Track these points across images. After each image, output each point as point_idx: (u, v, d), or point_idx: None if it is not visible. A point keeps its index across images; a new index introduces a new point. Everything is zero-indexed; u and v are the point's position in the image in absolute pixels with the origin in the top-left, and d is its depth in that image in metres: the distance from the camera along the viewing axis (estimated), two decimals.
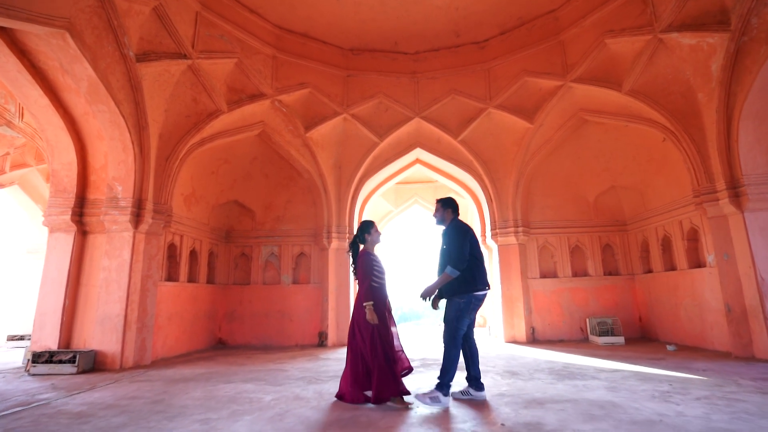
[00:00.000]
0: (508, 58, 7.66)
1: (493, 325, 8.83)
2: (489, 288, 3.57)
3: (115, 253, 5.70)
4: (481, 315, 12.50)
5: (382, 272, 3.68)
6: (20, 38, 4.95)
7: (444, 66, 8.12)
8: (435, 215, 3.85)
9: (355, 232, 3.85)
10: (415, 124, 8.37)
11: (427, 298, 3.54)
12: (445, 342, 3.48)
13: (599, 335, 7.02)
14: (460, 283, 3.46)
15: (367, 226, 3.80)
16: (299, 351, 7.15)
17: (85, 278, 5.78)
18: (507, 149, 8.20)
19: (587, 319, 7.52)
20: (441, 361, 3.42)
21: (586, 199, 8.31)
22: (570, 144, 8.00)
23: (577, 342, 7.41)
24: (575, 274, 8.13)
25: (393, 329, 3.64)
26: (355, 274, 3.75)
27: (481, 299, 3.53)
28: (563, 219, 8.28)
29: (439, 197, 3.90)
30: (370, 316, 3.41)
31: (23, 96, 5.42)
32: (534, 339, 7.74)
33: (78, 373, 4.99)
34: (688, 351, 5.98)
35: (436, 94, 8.17)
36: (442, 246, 3.61)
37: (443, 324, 3.52)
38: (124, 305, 5.54)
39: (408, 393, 3.49)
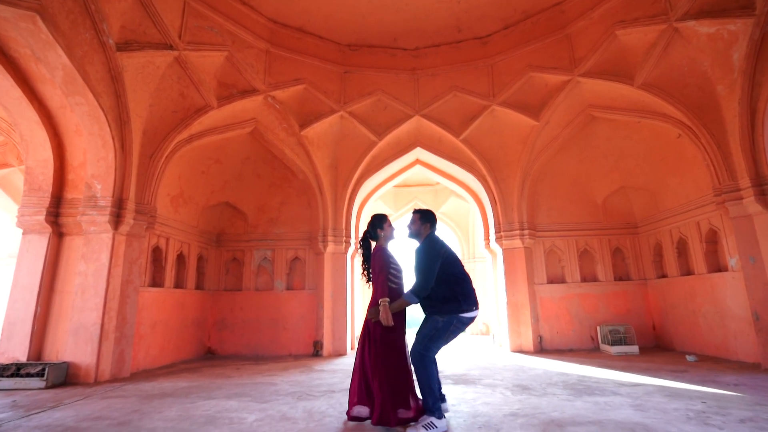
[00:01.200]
0: (512, 53, 7.32)
1: (497, 333, 8.40)
2: (477, 309, 3.07)
3: (93, 257, 5.28)
4: (483, 322, 12.05)
5: (399, 271, 3.23)
6: None
7: (445, 62, 7.78)
8: (410, 227, 3.33)
9: (366, 228, 3.38)
10: (415, 123, 8.01)
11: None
12: (414, 362, 2.99)
13: (611, 344, 6.59)
14: (442, 301, 3.00)
15: (380, 221, 3.36)
16: (292, 361, 6.71)
17: (59, 284, 5.35)
18: (511, 148, 7.84)
19: (598, 327, 7.10)
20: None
21: (595, 200, 7.93)
22: (578, 142, 7.63)
23: (588, 351, 6.97)
24: (584, 280, 7.72)
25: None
26: (368, 275, 3.29)
27: (467, 322, 3.00)
28: (571, 221, 7.88)
29: (418, 208, 3.44)
30: (384, 314, 2.95)
31: None
32: (542, 348, 7.30)
33: (47, 387, 4.55)
34: (711, 362, 5.55)
35: (437, 91, 7.82)
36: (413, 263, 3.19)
37: (415, 338, 3.04)
38: (100, 313, 5.11)
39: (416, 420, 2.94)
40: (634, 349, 6.47)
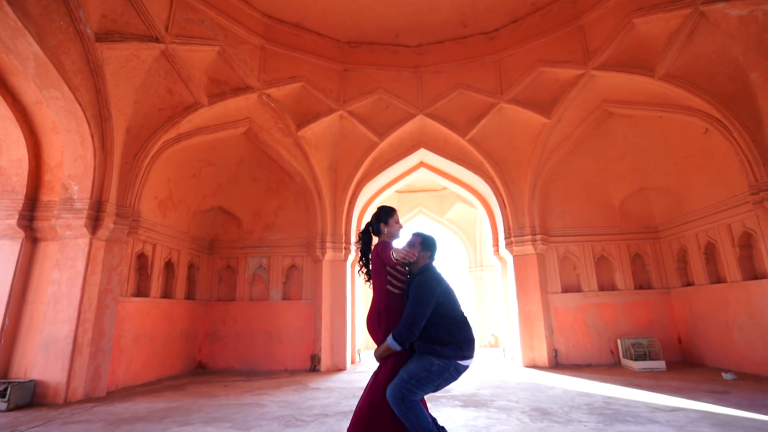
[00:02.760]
0: (521, 47, 6.90)
1: (507, 345, 7.84)
2: (473, 359, 2.58)
3: (67, 264, 4.85)
4: (492, 334, 11.46)
5: (404, 274, 2.71)
6: None
7: (450, 59, 7.37)
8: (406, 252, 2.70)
9: (369, 220, 2.90)
10: (419, 122, 7.59)
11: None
12: (392, 402, 2.40)
13: (635, 359, 6.02)
14: (440, 344, 2.48)
15: (385, 215, 2.83)
16: (287, 377, 6.20)
17: (32, 294, 4.92)
18: (521, 148, 7.37)
19: (618, 340, 6.53)
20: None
21: (612, 202, 7.41)
22: (593, 141, 7.15)
23: (609, 367, 6.40)
24: (602, 288, 7.16)
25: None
26: (367, 273, 2.82)
27: (462, 371, 2.52)
28: (586, 225, 7.36)
29: (420, 232, 2.80)
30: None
31: None
32: (557, 363, 6.74)
33: (8, 410, 4.09)
34: (752, 381, 4.96)
35: (442, 89, 7.41)
36: (406, 294, 2.68)
37: (398, 373, 2.47)
38: (74, 325, 4.66)
39: None
40: (661, 364, 5.89)
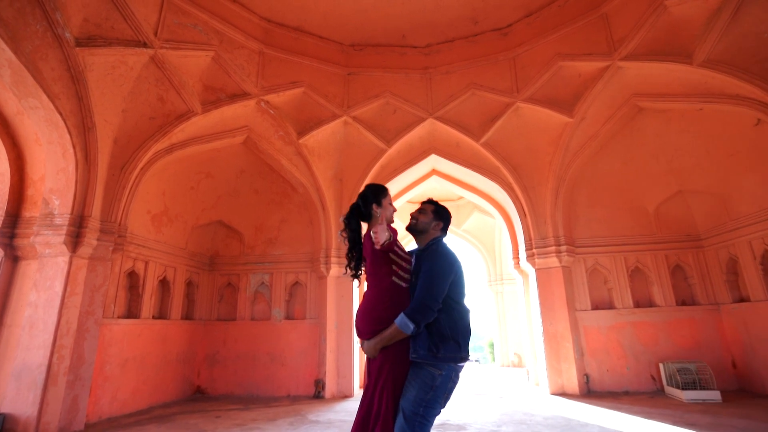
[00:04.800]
0: (537, 42, 6.34)
1: (532, 368, 7.08)
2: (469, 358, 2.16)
3: (45, 284, 4.50)
4: (515, 353, 10.64)
5: (408, 262, 2.22)
6: None
7: (461, 58, 6.87)
8: (415, 218, 2.36)
9: (355, 202, 2.36)
10: (429, 127, 7.08)
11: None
12: None
13: (682, 388, 5.22)
14: (440, 340, 1.99)
15: (377, 193, 2.33)
16: (287, 406, 5.66)
17: (9, 317, 4.58)
18: (541, 151, 6.74)
19: (660, 365, 5.73)
20: None
21: (646, 208, 6.66)
22: (621, 140, 6.47)
23: (650, 396, 5.59)
24: (637, 305, 6.38)
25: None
26: (355, 267, 2.36)
27: (460, 374, 2.12)
28: (617, 234, 6.63)
29: (434, 199, 2.41)
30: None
31: None
32: (589, 390, 5.97)
33: None
34: None
35: (453, 90, 6.90)
36: (414, 278, 2.17)
37: (401, 411, 1.96)
38: (48, 352, 4.27)
39: None
40: (714, 395, 5.07)
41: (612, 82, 5.85)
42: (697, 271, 6.33)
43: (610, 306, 6.41)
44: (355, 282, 7.14)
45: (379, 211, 2.26)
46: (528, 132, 6.70)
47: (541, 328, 6.33)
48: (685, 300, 6.34)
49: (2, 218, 4.71)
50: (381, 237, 2.04)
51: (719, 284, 6.08)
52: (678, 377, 5.33)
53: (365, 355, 2.17)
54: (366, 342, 2.09)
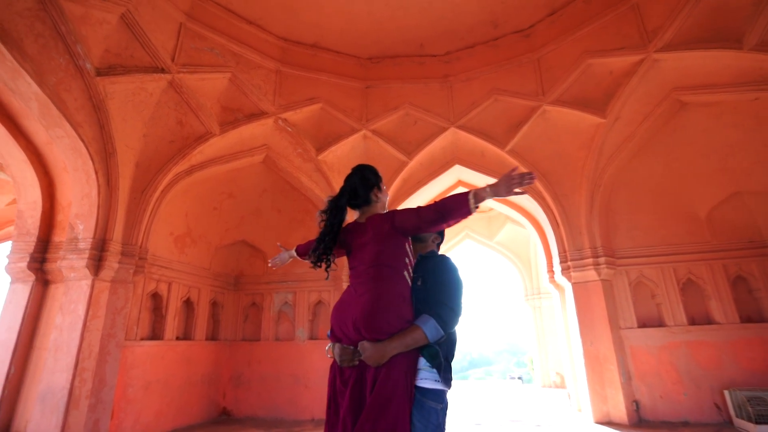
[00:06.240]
0: (563, 41, 5.98)
1: (573, 391, 6.47)
2: None
3: (70, 308, 4.61)
4: (557, 372, 9.88)
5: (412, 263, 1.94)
6: None
7: (482, 64, 6.61)
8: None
9: (349, 183, 2.08)
10: (451, 136, 6.82)
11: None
12: None
13: (755, 421, 4.50)
14: (447, 364, 1.74)
15: (379, 176, 2.11)
16: (311, 431, 5.45)
17: (39, 340, 4.72)
18: (572, 156, 6.28)
19: (726, 392, 5.02)
20: None
21: (696, 213, 5.99)
22: (663, 139, 5.90)
23: (716, 429, 4.89)
24: (693, 322, 5.69)
25: None
26: (327, 262, 2.02)
27: None
28: (663, 243, 5.99)
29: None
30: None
31: None
32: (639, 419, 5.32)
33: None
34: None
35: (474, 97, 6.63)
36: (423, 282, 1.89)
37: None
38: (70, 375, 4.33)
39: None
40: None
41: (648, 77, 5.37)
42: (765, 283, 5.56)
43: (659, 323, 5.75)
44: None
45: (380, 196, 2.07)
46: (557, 136, 6.27)
47: (581, 348, 5.77)
48: (750, 316, 5.57)
49: (34, 243, 4.91)
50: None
51: None
52: (749, 407, 4.62)
53: (340, 364, 1.77)
54: (372, 345, 1.67)
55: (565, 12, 5.93)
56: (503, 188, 1.72)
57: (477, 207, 1.74)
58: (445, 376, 1.73)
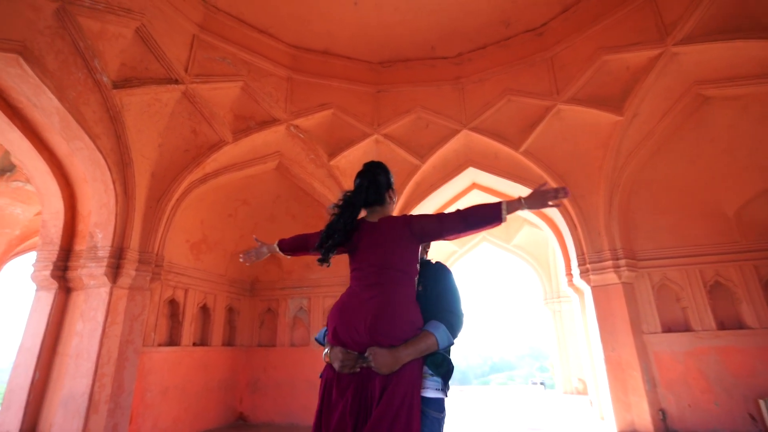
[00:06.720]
0: (576, 38, 5.84)
1: (595, 398, 6.25)
2: None
3: (90, 314, 4.74)
4: (579, 378, 9.59)
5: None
6: None
7: (494, 64, 6.52)
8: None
9: (362, 179, 1.99)
10: (464, 139, 6.74)
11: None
12: None
13: None
14: (450, 373, 1.69)
15: (390, 176, 2.04)
16: None
17: (62, 346, 4.86)
18: (589, 155, 6.10)
19: (761, 402, 4.74)
20: None
21: (723, 211, 5.72)
22: (684, 136, 5.67)
23: None
24: (722, 326, 5.42)
25: None
26: (324, 258, 1.93)
27: None
28: (688, 244, 5.74)
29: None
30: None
31: (6, 141, 4.96)
32: (667, 429, 5.09)
33: None
34: None
35: (487, 98, 6.54)
36: (423, 289, 1.84)
37: None
38: (91, 380, 4.44)
39: None
40: None
41: (667, 72, 5.17)
42: None
43: (686, 328, 5.50)
44: None
45: (393, 197, 2.03)
46: (572, 136, 6.11)
47: (602, 353, 5.57)
48: None
49: (57, 252, 5.07)
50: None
51: None
52: None
53: (340, 371, 1.63)
54: (386, 351, 1.58)
55: (579, 8, 5.79)
56: (537, 202, 1.76)
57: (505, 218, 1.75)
58: (446, 385, 1.69)
